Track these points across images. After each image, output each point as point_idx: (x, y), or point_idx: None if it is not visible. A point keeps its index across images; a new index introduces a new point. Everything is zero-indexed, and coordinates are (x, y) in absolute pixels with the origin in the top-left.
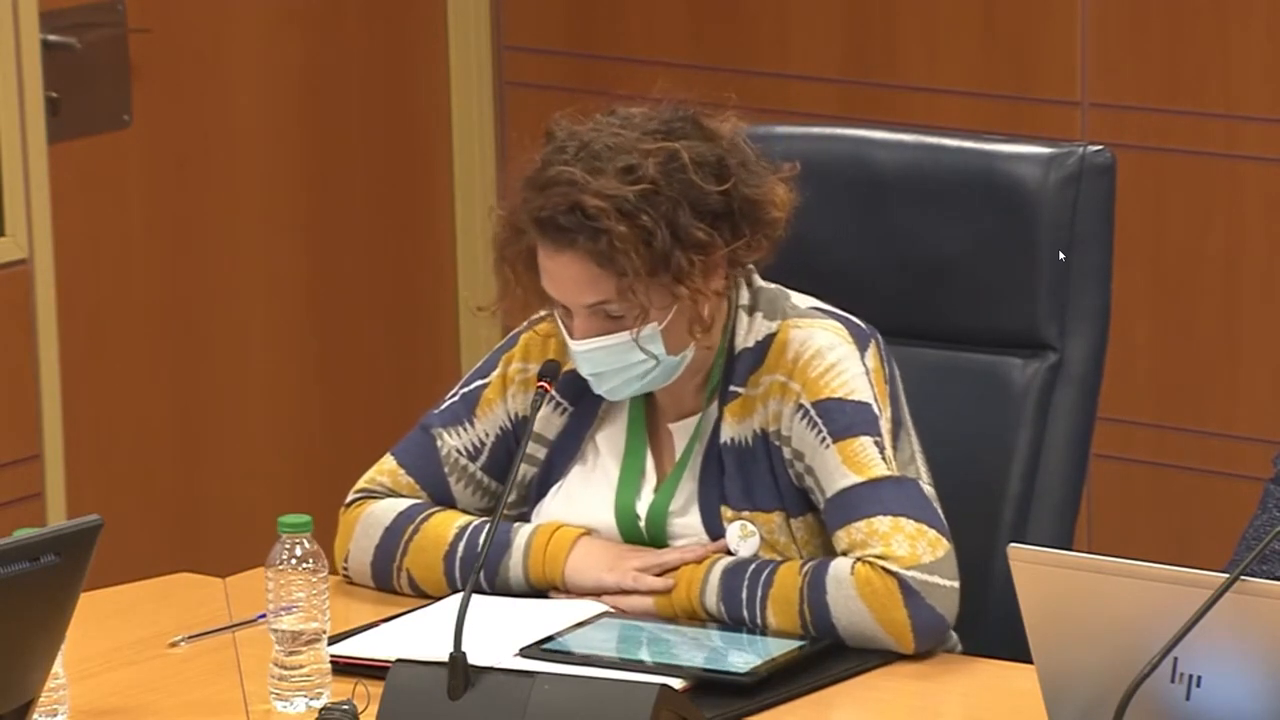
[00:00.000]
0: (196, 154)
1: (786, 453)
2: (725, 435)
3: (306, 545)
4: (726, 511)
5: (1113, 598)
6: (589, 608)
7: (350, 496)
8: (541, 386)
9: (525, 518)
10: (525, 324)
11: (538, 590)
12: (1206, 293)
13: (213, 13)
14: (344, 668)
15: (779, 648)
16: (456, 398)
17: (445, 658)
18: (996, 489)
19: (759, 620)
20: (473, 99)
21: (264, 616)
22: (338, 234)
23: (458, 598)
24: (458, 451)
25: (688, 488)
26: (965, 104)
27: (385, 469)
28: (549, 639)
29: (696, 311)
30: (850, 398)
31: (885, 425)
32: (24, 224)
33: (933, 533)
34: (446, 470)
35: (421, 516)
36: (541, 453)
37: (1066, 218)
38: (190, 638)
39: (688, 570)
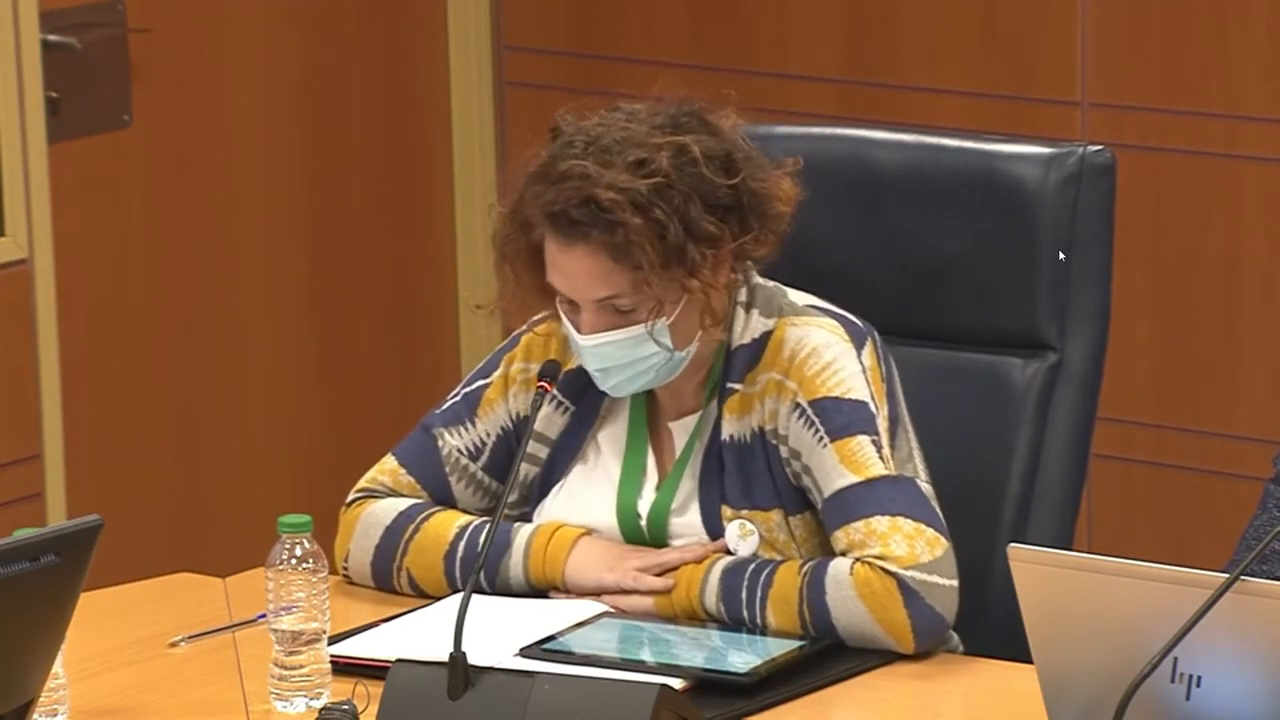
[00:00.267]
0: (196, 154)
1: (783, 451)
2: (725, 432)
3: (306, 545)
4: (726, 510)
5: (1113, 598)
6: (589, 608)
7: (351, 496)
8: (542, 386)
9: (526, 517)
10: (526, 325)
11: (538, 590)
12: (1206, 293)
13: (213, 13)
14: (344, 668)
15: (779, 648)
16: (458, 398)
17: (445, 658)
18: (996, 489)
19: (759, 620)
20: (473, 99)
21: (264, 616)
22: (338, 234)
23: (458, 598)
24: (459, 451)
25: (687, 486)
26: (965, 104)
27: (385, 469)
28: (549, 639)
29: (707, 304)
30: (847, 396)
31: (882, 423)
32: (24, 224)
33: (931, 532)
34: (447, 470)
35: (422, 516)
36: (543, 452)
37: (1066, 218)
38: (190, 638)
39: (688, 570)
